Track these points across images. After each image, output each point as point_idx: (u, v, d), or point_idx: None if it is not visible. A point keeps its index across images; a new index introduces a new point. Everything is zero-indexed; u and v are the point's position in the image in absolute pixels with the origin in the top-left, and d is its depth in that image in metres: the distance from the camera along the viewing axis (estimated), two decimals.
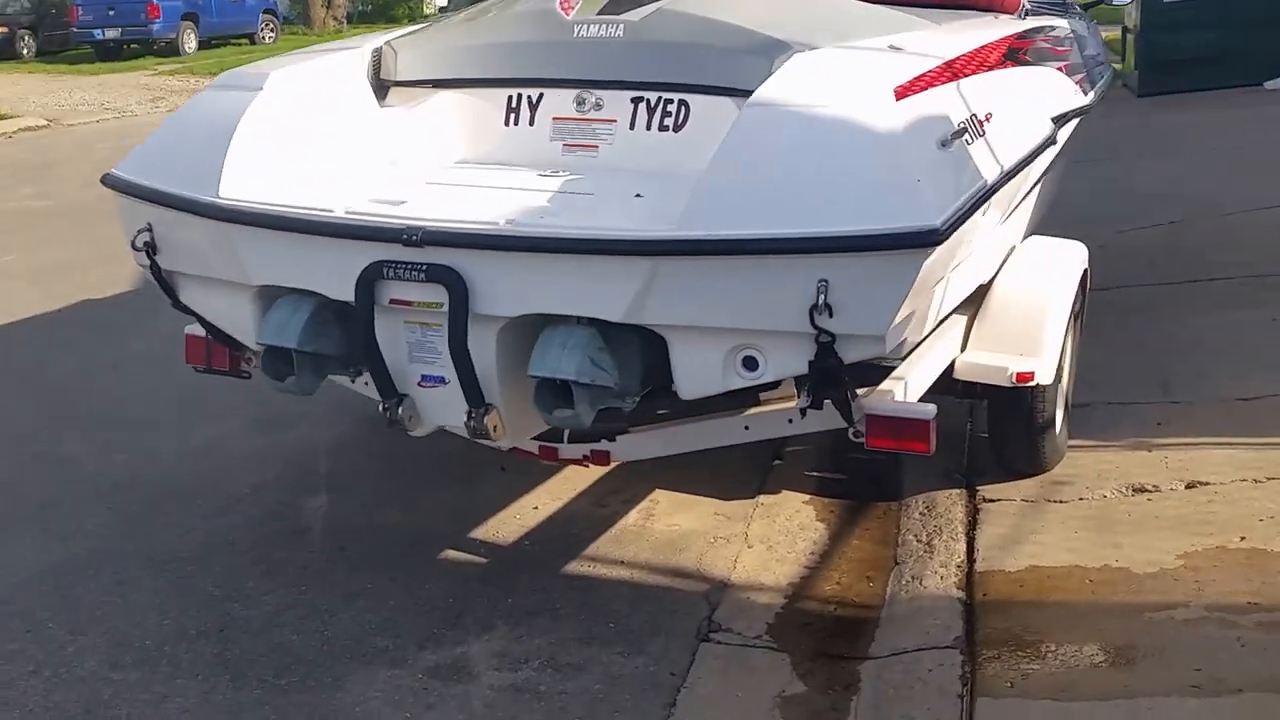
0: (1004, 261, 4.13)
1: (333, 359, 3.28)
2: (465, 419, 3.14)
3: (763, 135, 2.88)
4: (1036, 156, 3.62)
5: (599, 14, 3.67)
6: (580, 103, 3.65)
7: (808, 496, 4.46)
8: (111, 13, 22.14)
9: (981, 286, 3.97)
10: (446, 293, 2.97)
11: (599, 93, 3.63)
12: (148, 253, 3.43)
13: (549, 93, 3.69)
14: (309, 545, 4.07)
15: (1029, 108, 3.67)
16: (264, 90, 3.43)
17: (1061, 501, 4.21)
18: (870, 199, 2.75)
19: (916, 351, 3.53)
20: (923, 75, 3.06)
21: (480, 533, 4.14)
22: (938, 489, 4.41)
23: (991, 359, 3.93)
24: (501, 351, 3.08)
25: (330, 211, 3.10)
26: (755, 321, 2.91)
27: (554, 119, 3.70)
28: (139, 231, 3.41)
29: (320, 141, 3.53)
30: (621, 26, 3.61)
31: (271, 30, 25.31)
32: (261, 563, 3.93)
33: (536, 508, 4.33)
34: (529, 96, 3.71)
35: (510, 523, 4.21)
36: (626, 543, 4.07)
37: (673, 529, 4.17)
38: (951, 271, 3.24)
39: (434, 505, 4.32)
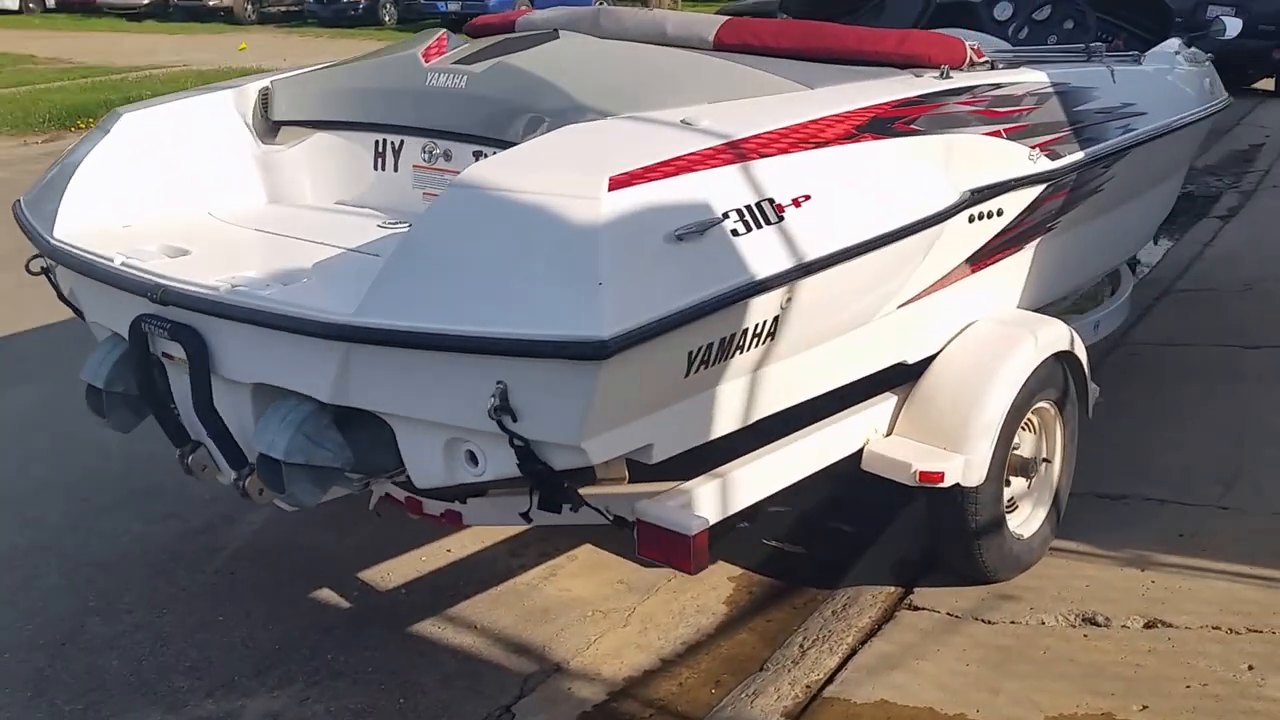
0: (951, 339, 3.60)
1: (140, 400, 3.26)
2: (233, 479, 3.06)
3: (455, 218, 2.59)
4: (917, 231, 3.07)
5: (454, 64, 3.45)
6: (428, 153, 3.45)
7: (740, 571, 4.06)
8: None
9: (925, 362, 3.52)
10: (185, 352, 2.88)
11: (445, 143, 3.41)
12: (47, 275, 3.53)
13: (409, 140, 3.50)
14: (211, 564, 4.11)
15: (901, 182, 3.09)
16: (111, 133, 3.44)
17: (987, 622, 3.63)
18: (550, 300, 2.42)
19: (746, 453, 3.14)
20: (676, 159, 2.63)
21: (370, 573, 4.04)
22: (875, 583, 3.92)
23: (898, 451, 3.44)
24: (258, 414, 2.96)
25: (110, 260, 3.07)
26: (451, 417, 2.66)
27: (414, 166, 3.52)
28: (34, 256, 3.51)
29: (173, 181, 3.51)
30: (465, 78, 3.38)
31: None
32: (157, 578, 4.02)
33: (449, 550, 4.18)
34: (392, 143, 3.53)
35: (407, 565, 4.09)
36: (502, 604, 3.85)
37: (563, 594, 3.91)
38: (751, 370, 2.84)
39: (356, 534, 4.25)
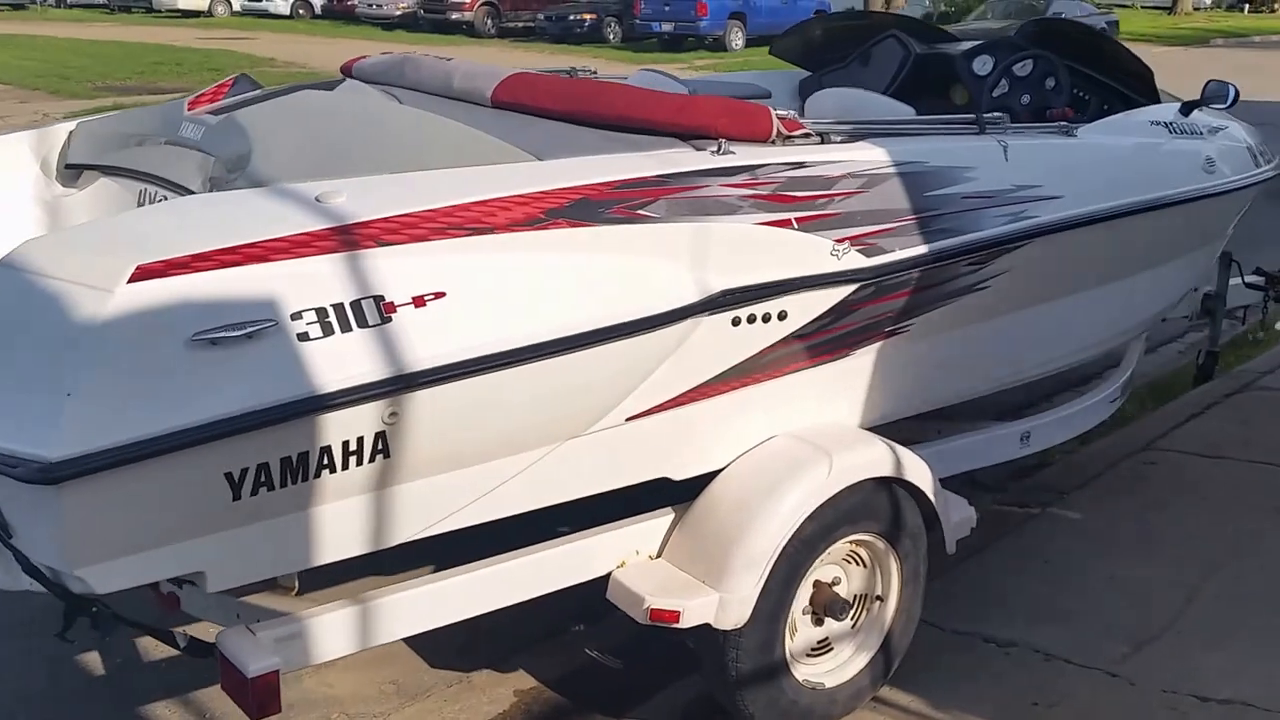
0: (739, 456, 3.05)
1: None
2: None
3: None
4: (630, 335, 2.55)
5: (207, 113, 3.15)
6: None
7: (533, 684, 3.53)
8: (667, 8, 23.20)
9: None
10: None
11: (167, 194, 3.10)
12: None
13: (164, 190, 3.21)
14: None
15: (607, 278, 2.56)
16: None
17: None
18: (19, 408, 2.08)
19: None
20: (252, 245, 2.20)
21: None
22: None
23: (639, 581, 2.92)
24: None
25: None
26: None
27: None
28: None
29: None
30: (204, 129, 3.06)
31: None
32: None
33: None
34: (149, 192, 3.25)
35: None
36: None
37: (321, 688, 3.47)
38: (370, 490, 2.41)
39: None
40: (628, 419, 2.76)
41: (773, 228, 2.82)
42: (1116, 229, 3.73)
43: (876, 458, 3.08)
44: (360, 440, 2.32)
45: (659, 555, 3.03)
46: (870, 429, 3.32)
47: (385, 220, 2.32)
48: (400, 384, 2.26)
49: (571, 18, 26.10)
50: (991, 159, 3.36)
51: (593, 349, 2.52)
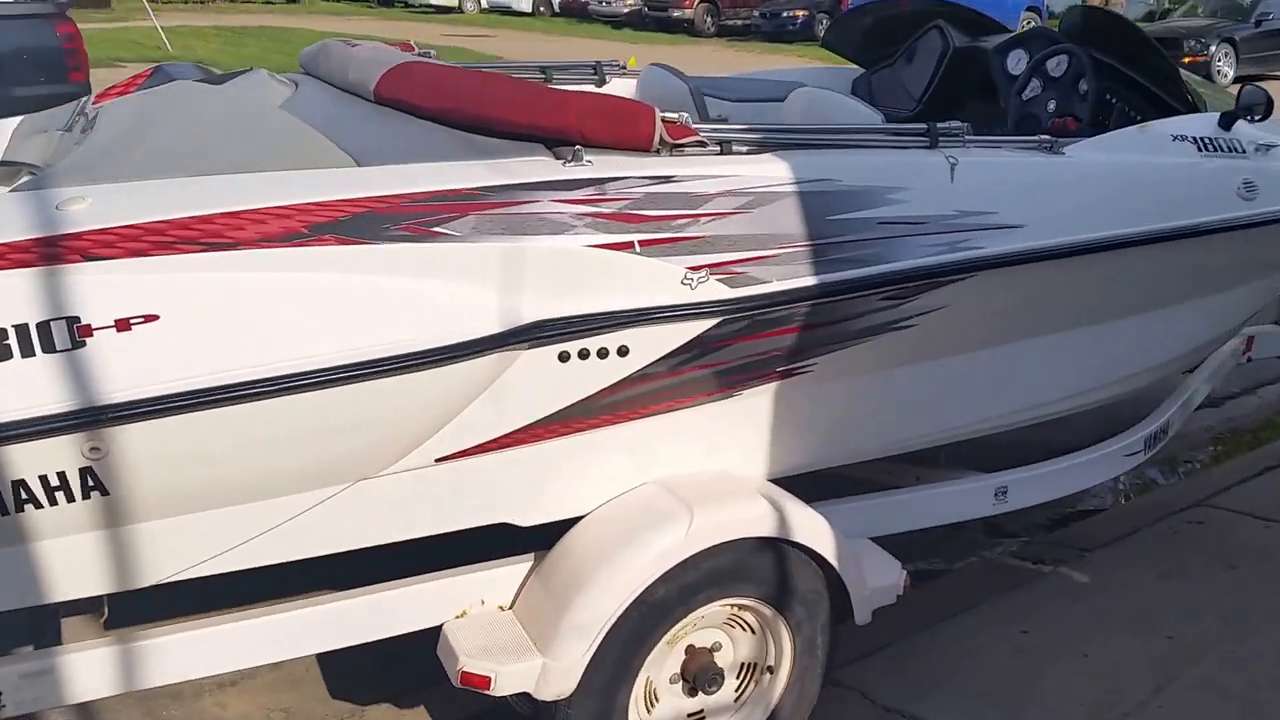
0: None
1: None
2: None
3: None
4: (415, 368, 2.28)
5: (105, 104, 3.02)
6: None
7: None
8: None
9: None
10: None
11: None
12: None
13: None
14: None
15: (382, 302, 2.27)
16: None
17: None
18: None
19: None
20: None
21: None
22: None
23: (461, 639, 2.65)
24: None
25: None
26: None
27: None
28: None
29: None
30: (93, 119, 2.92)
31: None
32: None
33: None
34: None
35: None
36: (138, 703, 3.25)
37: (213, 710, 3.31)
38: (85, 529, 2.25)
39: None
40: (437, 460, 2.50)
41: (607, 250, 2.48)
42: (1107, 263, 3.17)
43: (754, 515, 2.70)
44: (63, 475, 2.15)
45: (510, 606, 2.75)
46: (783, 478, 2.93)
47: (101, 233, 2.10)
48: (94, 416, 2.07)
49: (784, 15, 25.55)
50: (931, 179, 2.90)
51: (360, 384, 2.26)
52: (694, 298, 2.56)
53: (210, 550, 2.41)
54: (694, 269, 2.56)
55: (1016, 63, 4.18)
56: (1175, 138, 3.45)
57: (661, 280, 2.54)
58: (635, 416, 2.69)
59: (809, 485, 3.04)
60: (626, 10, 30.03)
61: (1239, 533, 4.13)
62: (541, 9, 33.76)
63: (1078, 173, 3.17)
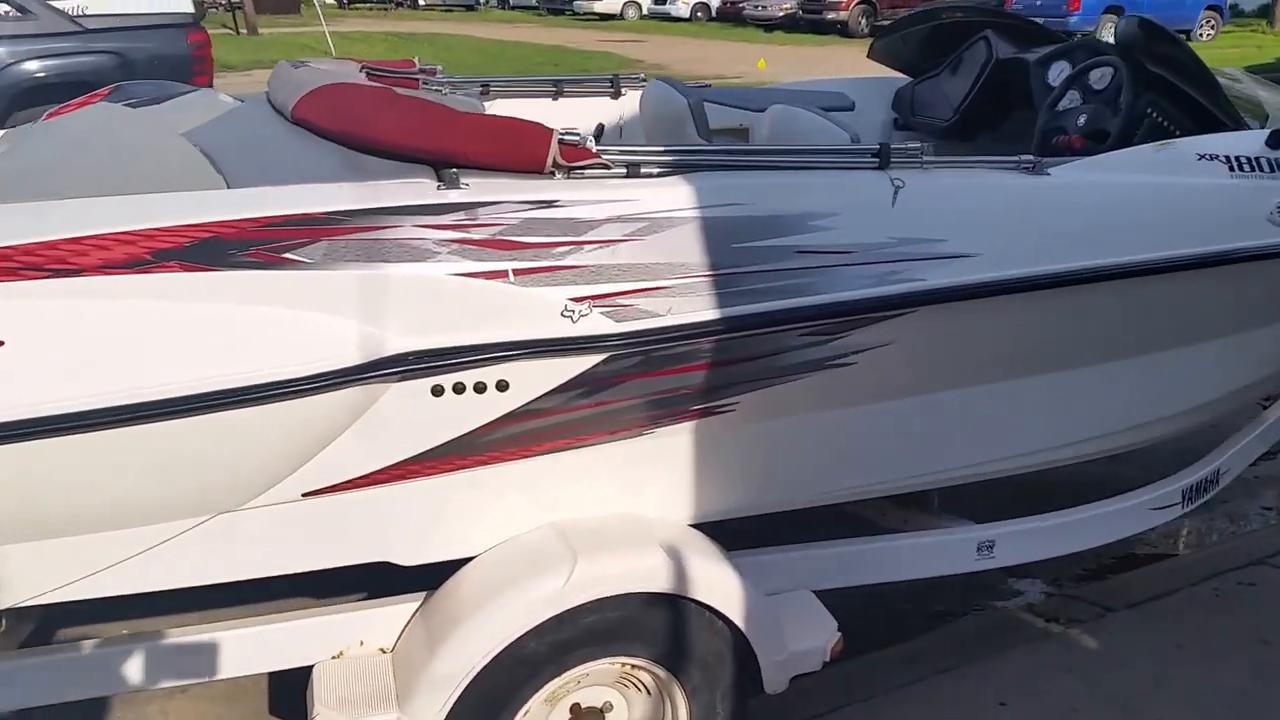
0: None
1: None
2: None
3: None
4: (268, 399, 2.15)
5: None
6: None
7: None
8: (1038, 3, 21.49)
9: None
10: None
11: None
12: None
13: None
14: None
15: (233, 332, 2.12)
16: None
17: None
18: None
19: None
20: None
21: None
22: None
23: (324, 684, 2.51)
24: None
25: None
26: None
27: None
28: None
29: None
30: (15, 140, 2.90)
31: (1212, 27, 22.23)
32: None
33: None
34: None
35: None
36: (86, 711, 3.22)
37: (155, 717, 3.25)
38: None
39: None
40: (304, 494, 2.36)
41: (477, 279, 2.29)
42: (1093, 297, 2.81)
43: (646, 568, 2.48)
44: None
45: (391, 649, 2.60)
46: (714, 522, 2.70)
47: None
48: None
49: (944, 14, 24.73)
50: (866, 204, 2.60)
51: (208, 415, 2.14)
52: (575, 331, 2.35)
53: (65, 576, 2.33)
54: (576, 300, 2.35)
55: (1058, 74, 3.80)
56: (1203, 156, 3.04)
57: (539, 312, 2.33)
58: (530, 454, 2.50)
59: (766, 526, 2.82)
60: (781, 14, 29.67)
61: None
62: (699, 14, 33.69)
63: (1059, 196, 2.81)
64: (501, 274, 2.31)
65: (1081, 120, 3.51)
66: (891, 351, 2.65)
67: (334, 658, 2.56)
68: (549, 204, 2.36)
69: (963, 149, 4.15)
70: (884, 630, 3.66)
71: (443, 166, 2.40)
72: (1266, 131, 3.12)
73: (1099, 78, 3.56)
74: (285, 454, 2.30)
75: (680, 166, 2.55)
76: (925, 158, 2.71)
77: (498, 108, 4.02)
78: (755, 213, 2.50)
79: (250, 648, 2.53)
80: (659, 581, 2.46)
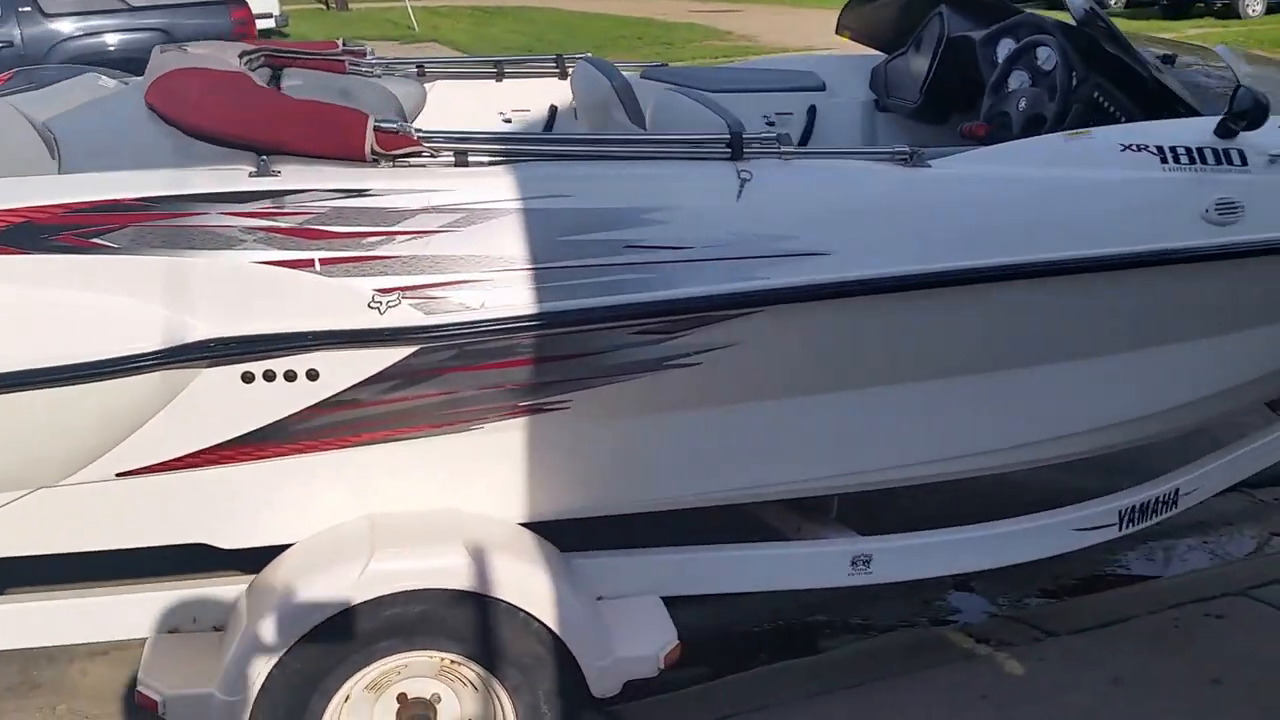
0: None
1: None
2: None
3: None
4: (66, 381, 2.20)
5: None
6: None
7: None
8: None
9: None
10: None
11: None
12: None
13: None
14: None
15: (30, 316, 2.19)
16: None
17: None
18: None
19: None
20: None
21: None
22: None
23: (153, 659, 2.52)
24: None
25: None
26: None
27: None
28: None
29: None
30: None
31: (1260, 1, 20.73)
32: None
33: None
34: None
35: None
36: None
37: (74, 677, 3.27)
38: None
39: None
40: (118, 474, 2.39)
41: (283, 268, 2.27)
42: (971, 299, 2.61)
43: (448, 566, 2.40)
44: None
45: (223, 629, 2.61)
46: (552, 520, 2.63)
47: None
48: None
49: None
50: (707, 198, 2.47)
51: (26, 392, 2.19)
52: (382, 323, 2.29)
53: None
54: (383, 291, 2.29)
55: (1006, 52, 3.56)
56: (1128, 147, 2.77)
57: (345, 302, 2.28)
58: (350, 444, 2.46)
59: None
60: None
61: (1258, 637, 3.33)
62: None
63: (937, 191, 2.60)
64: (308, 263, 2.29)
65: (1022, 104, 3.26)
66: (739, 353, 2.51)
67: (170, 632, 2.59)
68: (359, 193, 2.32)
69: (935, 131, 3.93)
70: (799, 641, 3.52)
71: (267, 154, 2.38)
72: (1216, 119, 2.85)
73: (1045, 57, 3.30)
74: (97, 434, 2.33)
75: (514, 155, 2.47)
76: (784, 148, 2.56)
77: (437, 91, 3.96)
78: (583, 205, 2.39)
79: (88, 618, 2.57)
80: (460, 579, 2.40)
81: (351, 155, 2.37)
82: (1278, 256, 2.83)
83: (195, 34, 8.95)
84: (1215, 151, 2.82)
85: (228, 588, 2.60)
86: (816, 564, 2.89)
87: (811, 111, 4.22)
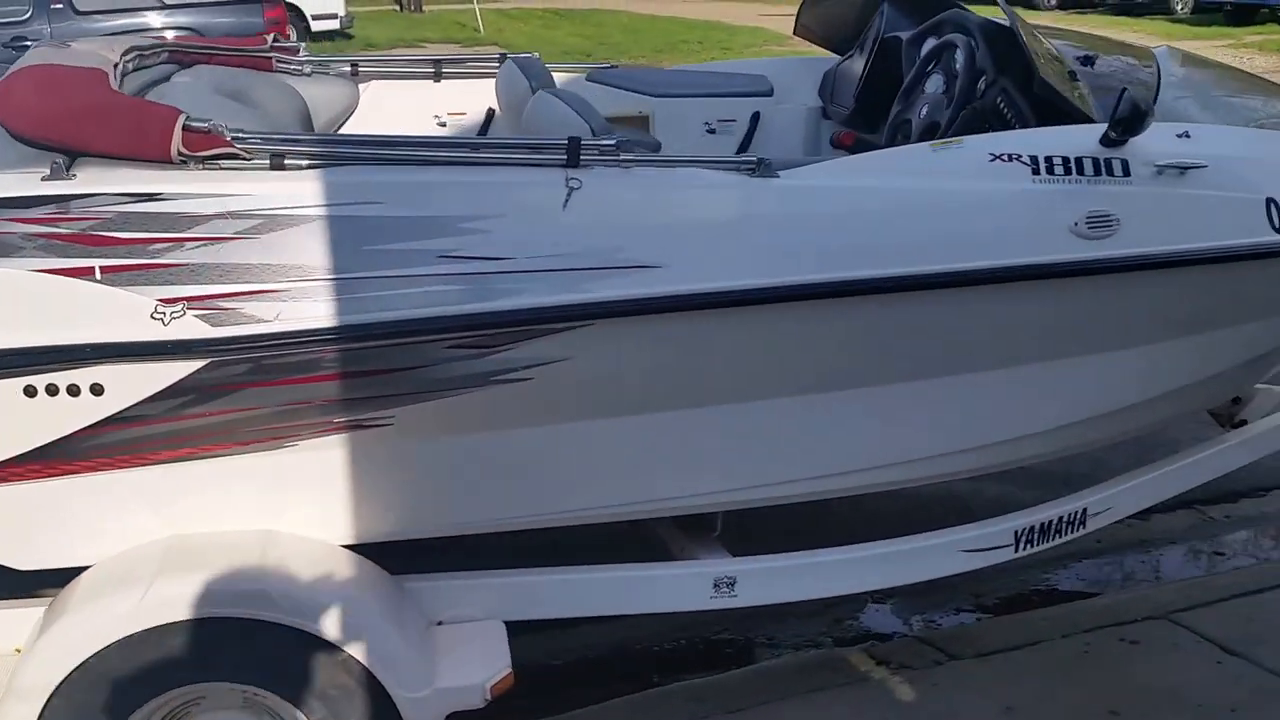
0: None
1: None
2: None
3: None
4: None
5: None
6: None
7: None
8: None
9: None
10: None
11: None
12: None
13: None
14: None
15: None
16: None
17: None
18: None
19: None
20: None
21: None
22: None
23: None
24: None
25: None
26: None
27: None
28: None
29: None
30: None
31: None
32: None
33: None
34: None
35: None
36: None
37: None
38: None
39: None
40: None
41: (61, 277, 2.16)
42: (822, 314, 2.43)
43: (237, 592, 2.29)
44: None
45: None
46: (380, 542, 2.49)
47: None
48: None
49: None
50: (531, 207, 2.33)
51: None
52: (166, 335, 2.18)
53: None
54: (167, 301, 2.18)
55: (928, 49, 3.33)
56: (998, 157, 2.59)
57: (127, 313, 2.18)
58: (148, 462, 2.35)
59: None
60: None
61: (1169, 665, 3.13)
62: None
63: (784, 203, 2.44)
64: (88, 271, 2.17)
65: (924, 111, 3.07)
66: (572, 368, 2.36)
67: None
68: (150, 197, 2.21)
69: (870, 142, 3.71)
70: (700, 660, 3.37)
71: (78, 155, 2.26)
72: (1102, 127, 2.63)
73: (960, 60, 3.08)
74: None
75: (333, 159, 2.33)
76: (624, 156, 2.39)
77: (371, 91, 3.83)
78: (394, 213, 2.27)
79: None
80: (252, 606, 2.28)
81: (157, 156, 2.27)
82: (1156, 272, 2.60)
83: (226, 32, 8.96)
84: (1096, 161, 2.63)
85: (26, 610, 2.49)
86: (676, 587, 2.74)
87: (755, 118, 4.03)
